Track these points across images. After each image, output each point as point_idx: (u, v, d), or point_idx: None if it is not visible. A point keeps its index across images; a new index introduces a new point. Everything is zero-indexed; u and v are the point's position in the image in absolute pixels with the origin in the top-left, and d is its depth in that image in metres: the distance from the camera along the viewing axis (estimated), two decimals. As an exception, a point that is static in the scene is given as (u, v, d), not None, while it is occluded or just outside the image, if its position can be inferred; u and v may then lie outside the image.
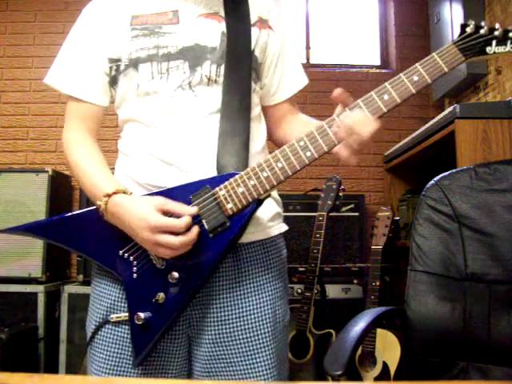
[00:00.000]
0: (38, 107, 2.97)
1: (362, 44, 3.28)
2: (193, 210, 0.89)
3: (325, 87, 2.88)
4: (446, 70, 0.88)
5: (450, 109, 1.84)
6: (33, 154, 2.95)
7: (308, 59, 3.17)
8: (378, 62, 3.22)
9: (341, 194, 2.20)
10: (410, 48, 3.08)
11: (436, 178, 1.37)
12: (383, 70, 3.14)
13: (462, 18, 2.44)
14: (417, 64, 0.89)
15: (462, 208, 1.31)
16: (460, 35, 0.89)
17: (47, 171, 2.49)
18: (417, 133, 2.24)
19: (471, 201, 1.30)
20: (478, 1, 2.45)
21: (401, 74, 0.88)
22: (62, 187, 2.67)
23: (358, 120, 0.86)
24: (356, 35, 3.29)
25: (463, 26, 0.89)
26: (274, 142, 1.16)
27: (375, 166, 2.96)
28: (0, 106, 2.97)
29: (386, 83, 0.88)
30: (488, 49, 0.89)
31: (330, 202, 2.17)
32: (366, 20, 3.31)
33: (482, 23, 0.89)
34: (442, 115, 1.92)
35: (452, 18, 2.55)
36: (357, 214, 2.59)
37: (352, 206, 2.59)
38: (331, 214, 2.22)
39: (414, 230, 1.35)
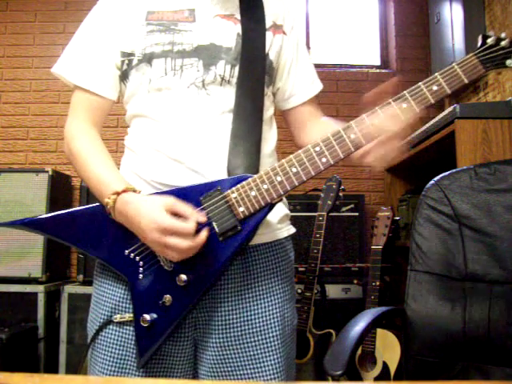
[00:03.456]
0: (37, 107, 2.97)
1: (362, 44, 3.28)
2: (201, 217, 0.87)
3: (325, 87, 2.88)
4: (466, 81, 0.87)
5: (450, 109, 1.83)
6: (33, 154, 2.95)
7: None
8: (378, 62, 3.22)
9: (341, 194, 2.20)
10: (409, 48, 3.08)
11: (436, 178, 1.37)
12: (383, 70, 3.14)
13: (462, 17, 2.44)
14: (437, 73, 0.88)
15: (462, 208, 1.31)
16: (481, 46, 0.88)
17: (47, 171, 2.49)
18: (417, 133, 2.24)
19: (471, 201, 1.30)
20: (478, 1, 2.45)
21: (420, 83, 0.88)
22: (62, 187, 2.67)
23: (386, 117, 0.88)
24: (356, 35, 3.29)
25: (484, 37, 0.89)
26: (298, 147, 1.16)
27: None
28: (0, 106, 2.98)
29: (405, 92, 0.88)
30: (508, 62, 0.88)
31: (329, 202, 2.17)
32: (366, 20, 3.31)
33: (503, 35, 0.89)
34: (441, 115, 1.92)
35: (452, 18, 2.55)
36: (357, 214, 2.59)
37: (352, 206, 2.59)
38: (331, 214, 2.22)
39: (414, 230, 1.35)
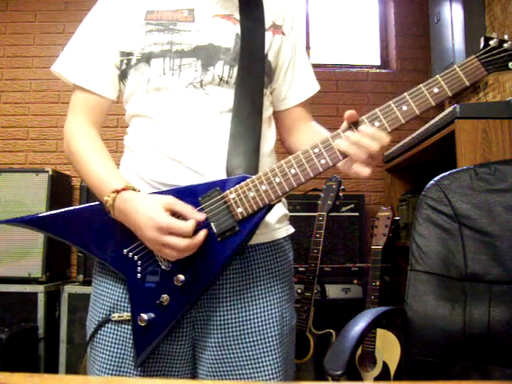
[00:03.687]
0: (37, 107, 2.97)
1: (362, 44, 3.28)
2: (201, 216, 0.87)
3: (325, 87, 2.88)
4: (467, 83, 0.86)
5: (449, 109, 1.83)
6: (33, 154, 2.95)
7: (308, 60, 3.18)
8: (378, 62, 3.22)
9: (341, 194, 2.20)
10: (409, 48, 3.08)
11: (436, 178, 1.37)
12: (383, 70, 3.14)
13: (462, 17, 2.44)
14: (438, 76, 0.87)
15: (462, 208, 1.31)
16: (483, 48, 0.87)
17: (47, 171, 2.49)
18: (417, 133, 2.24)
19: (471, 201, 1.30)
20: (478, 1, 2.45)
21: (421, 85, 0.86)
22: (62, 187, 2.67)
23: (369, 134, 0.85)
24: (356, 35, 3.29)
25: (486, 39, 0.87)
26: (285, 149, 1.16)
27: (375, 166, 2.95)
28: (0, 106, 2.98)
29: (405, 94, 0.87)
30: (511, 64, 0.87)
31: (330, 202, 2.17)
32: (366, 20, 3.31)
33: (506, 37, 0.87)
34: (441, 115, 1.92)
35: (452, 18, 2.55)
36: (357, 214, 2.59)
37: (352, 206, 2.59)
38: (331, 214, 2.22)
39: (414, 230, 1.35)
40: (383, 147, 0.86)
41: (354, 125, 0.87)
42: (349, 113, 0.86)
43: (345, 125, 0.88)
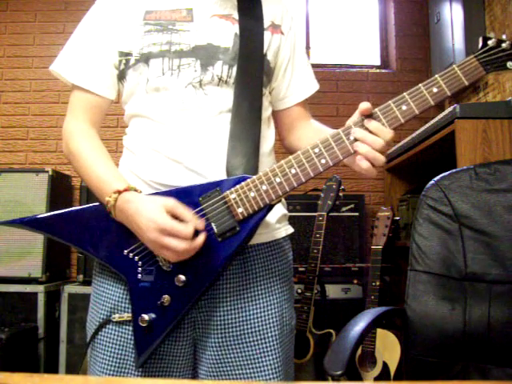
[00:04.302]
0: (37, 107, 2.97)
1: (362, 44, 3.28)
2: (200, 225, 0.87)
3: (325, 87, 2.89)
4: (466, 83, 0.86)
5: (450, 109, 1.83)
6: (33, 154, 2.95)
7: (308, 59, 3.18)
8: (377, 62, 3.22)
9: (341, 193, 2.20)
10: (409, 48, 3.08)
11: (436, 178, 1.37)
12: (383, 70, 3.14)
13: (462, 17, 2.44)
14: (437, 75, 0.87)
15: (462, 208, 1.31)
16: (481, 48, 0.88)
17: (47, 171, 2.49)
18: (417, 133, 2.24)
19: (471, 201, 1.30)
20: (478, 1, 2.45)
21: (420, 85, 0.87)
22: (62, 187, 2.67)
23: (375, 130, 0.86)
24: (356, 35, 3.29)
25: (485, 39, 0.88)
26: (285, 148, 1.16)
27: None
28: (0, 106, 2.98)
29: (405, 93, 0.87)
30: (509, 64, 0.88)
31: (330, 202, 2.17)
32: (366, 20, 3.31)
33: (504, 37, 0.88)
34: (441, 115, 1.92)
35: (452, 18, 2.55)
36: (357, 214, 2.59)
37: (352, 206, 2.59)
38: (331, 214, 2.21)
39: (414, 230, 1.35)
40: (387, 143, 0.86)
41: (367, 118, 0.87)
42: (364, 106, 0.86)
43: (354, 119, 0.89)
